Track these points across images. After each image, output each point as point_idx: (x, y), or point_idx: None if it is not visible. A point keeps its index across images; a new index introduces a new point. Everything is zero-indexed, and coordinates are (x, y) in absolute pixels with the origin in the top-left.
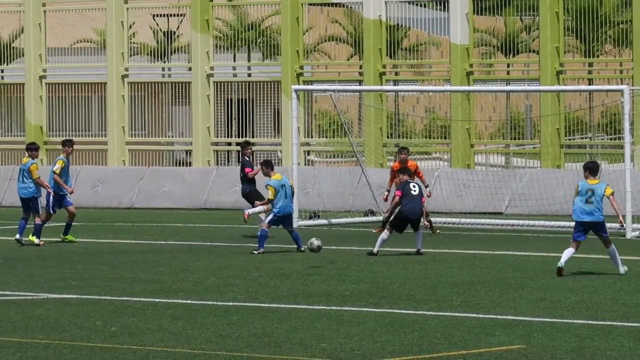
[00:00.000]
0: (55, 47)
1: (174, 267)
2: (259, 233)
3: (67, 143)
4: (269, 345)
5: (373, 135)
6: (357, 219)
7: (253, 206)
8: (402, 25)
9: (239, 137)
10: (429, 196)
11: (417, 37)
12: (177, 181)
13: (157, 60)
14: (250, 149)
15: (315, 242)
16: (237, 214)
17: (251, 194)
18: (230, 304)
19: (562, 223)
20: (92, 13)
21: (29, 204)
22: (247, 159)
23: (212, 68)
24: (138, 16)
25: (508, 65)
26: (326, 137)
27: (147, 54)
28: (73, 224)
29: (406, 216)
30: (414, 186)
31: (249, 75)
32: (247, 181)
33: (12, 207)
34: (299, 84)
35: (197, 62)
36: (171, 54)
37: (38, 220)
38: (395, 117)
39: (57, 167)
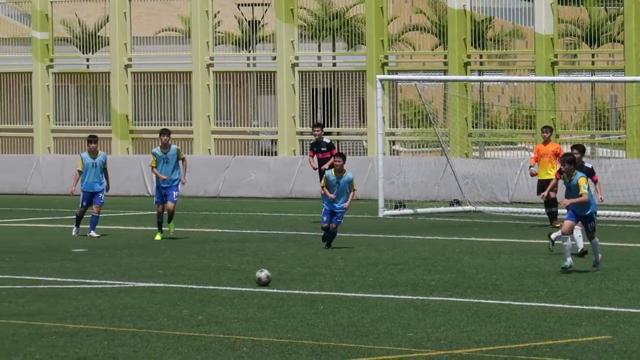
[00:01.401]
0: (141, 36)
1: (260, 256)
2: None
3: (163, 132)
4: (355, 335)
5: (458, 125)
6: (442, 209)
7: None
8: (486, 15)
9: (325, 126)
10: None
11: (501, 27)
12: (262, 170)
13: (242, 49)
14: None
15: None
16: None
17: None
18: (317, 293)
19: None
20: (177, 2)
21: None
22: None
23: (297, 57)
24: (223, 5)
25: (593, 56)
26: (411, 126)
27: (232, 43)
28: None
29: None
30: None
31: (334, 64)
32: None
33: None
34: (383, 74)
35: (282, 51)
36: (256, 43)
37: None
38: (480, 107)
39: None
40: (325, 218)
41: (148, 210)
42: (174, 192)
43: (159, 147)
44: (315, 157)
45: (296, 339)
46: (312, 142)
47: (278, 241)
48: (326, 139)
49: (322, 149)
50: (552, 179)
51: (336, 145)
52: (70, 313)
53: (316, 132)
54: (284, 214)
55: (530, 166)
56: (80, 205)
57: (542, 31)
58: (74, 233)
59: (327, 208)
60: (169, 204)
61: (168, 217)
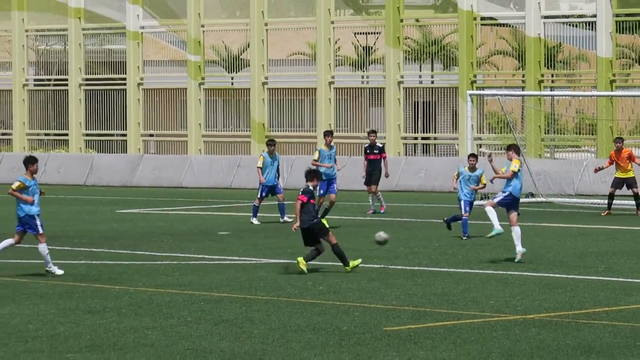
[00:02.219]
0: (275, 58)
1: (371, 238)
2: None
3: (327, 133)
4: (447, 302)
5: (533, 131)
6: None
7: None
8: (557, 42)
9: (424, 132)
10: None
11: (569, 52)
12: None
13: (358, 69)
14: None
15: (382, 235)
16: (421, 195)
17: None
18: (416, 268)
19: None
20: (305, 31)
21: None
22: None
23: (402, 76)
24: (342, 34)
25: None
26: (495, 132)
27: (349, 64)
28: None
29: None
30: None
31: (432, 82)
32: None
33: (239, 189)
34: (472, 90)
35: (390, 71)
36: (369, 64)
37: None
38: (552, 117)
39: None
40: (467, 208)
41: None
42: (334, 185)
43: (323, 146)
44: (367, 158)
45: (399, 306)
46: (366, 145)
47: (385, 226)
48: (379, 143)
49: (375, 151)
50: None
51: (431, 149)
52: (215, 284)
53: (372, 138)
54: (390, 203)
55: (602, 168)
56: (259, 196)
57: (602, 54)
58: (255, 222)
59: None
60: (332, 196)
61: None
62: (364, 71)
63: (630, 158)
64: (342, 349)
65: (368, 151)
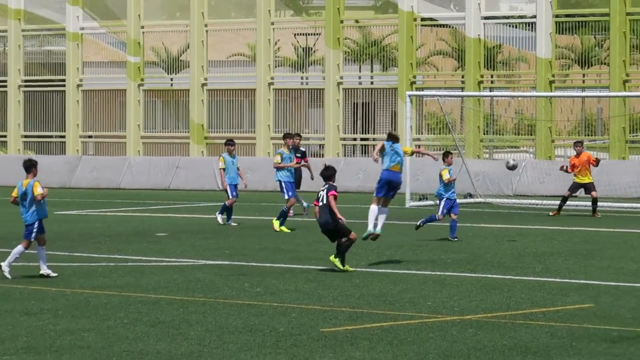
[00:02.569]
0: (215, 59)
1: (309, 239)
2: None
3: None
4: (384, 303)
5: (472, 132)
6: (458, 201)
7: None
8: (497, 43)
9: (363, 133)
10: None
11: (509, 53)
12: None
13: (297, 70)
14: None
15: (511, 161)
16: (360, 196)
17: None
18: (353, 269)
19: (625, 205)
20: (245, 32)
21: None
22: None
23: (341, 77)
24: (282, 35)
25: (583, 75)
26: (434, 133)
27: (289, 65)
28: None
29: None
30: None
31: (372, 83)
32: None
33: (178, 190)
34: (412, 91)
35: (330, 72)
36: (308, 65)
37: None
38: (491, 118)
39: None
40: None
41: (219, 201)
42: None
43: (284, 148)
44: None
45: (336, 307)
46: (291, 147)
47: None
48: (302, 148)
49: (297, 154)
50: (588, 182)
51: (370, 149)
52: (152, 285)
53: (296, 141)
54: None
55: (565, 169)
56: (230, 197)
57: (542, 55)
58: (222, 221)
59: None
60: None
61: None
62: (303, 72)
63: (589, 162)
64: (278, 350)
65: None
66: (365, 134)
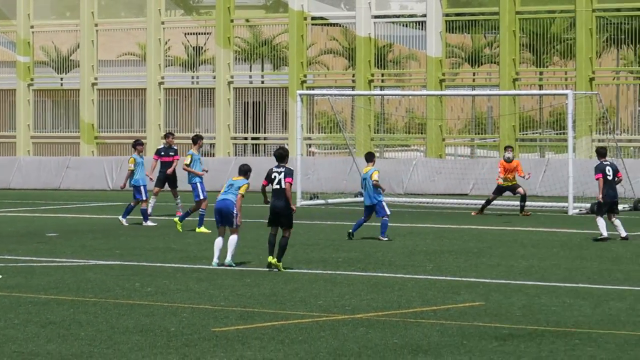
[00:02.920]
0: (105, 59)
1: (199, 239)
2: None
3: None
4: (275, 302)
5: (363, 131)
6: (349, 199)
7: None
8: (388, 42)
9: (253, 132)
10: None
11: (399, 51)
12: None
13: (188, 70)
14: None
15: None
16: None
17: None
18: (244, 268)
19: (515, 202)
20: (135, 32)
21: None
22: None
23: (232, 77)
24: (172, 34)
25: (474, 74)
26: (324, 132)
27: (180, 65)
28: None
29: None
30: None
31: (262, 82)
32: None
33: (68, 190)
34: (302, 90)
35: (220, 71)
36: (199, 65)
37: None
38: (381, 116)
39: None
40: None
41: (109, 201)
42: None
43: (193, 149)
44: (159, 160)
45: (227, 306)
46: (161, 147)
47: (214, 226)
48: (175, 146)
49: (171, 153)
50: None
51: (261, 149)
52: (43, 286)
53: (169, 140)
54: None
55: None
56: (144, 198)
57: (432, 54)
58: (149, 224)
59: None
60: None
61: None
62: (194, 71)
63: (517, 170)
64: (169, 350)
65: (162, 153)
66: (256, 133)
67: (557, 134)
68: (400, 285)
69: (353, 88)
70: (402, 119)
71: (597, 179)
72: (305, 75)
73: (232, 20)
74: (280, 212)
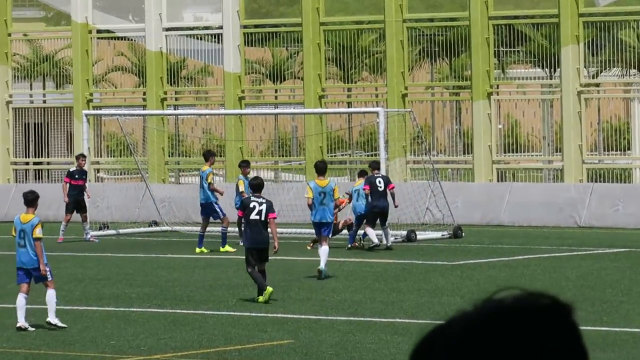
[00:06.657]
0: None
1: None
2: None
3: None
4: (63, 343)
5: (156, 154)
6: (142, 229)
7: None
8: (181, 57)
9: (36, 157)
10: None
11: (194, 66)
12: None
13: None
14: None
15: None
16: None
17: None
18: (28, 306)
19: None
20: None
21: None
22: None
23: (10, 96)
24: None
25: (276, 91)
26: (114, 156)
27: None
28: None
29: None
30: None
31: (44, 101)
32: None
33: None
34: (89, 109)
35: None
36: None
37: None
38: (176, 138)
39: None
40: None
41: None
42: None
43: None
44: (71, 183)
45: (10, 348)
46: (73, 169)
47: (5, 261)
48: (85, 168)
49: (83, 176)
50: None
51: (44, 174)
52: None
53: (81, 162)
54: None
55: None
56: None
57: (230, 69)
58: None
59: None
60: None
61: None
62: None
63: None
64: None
65: (77, 176)
66: (39, 157)
67: (368, 155)
68: (200, 323)
69: (144, 107)
70: (199, 141)
71: (364, 190)
72: (91, 94)
73: (9, 34)
74: (264, 248)
